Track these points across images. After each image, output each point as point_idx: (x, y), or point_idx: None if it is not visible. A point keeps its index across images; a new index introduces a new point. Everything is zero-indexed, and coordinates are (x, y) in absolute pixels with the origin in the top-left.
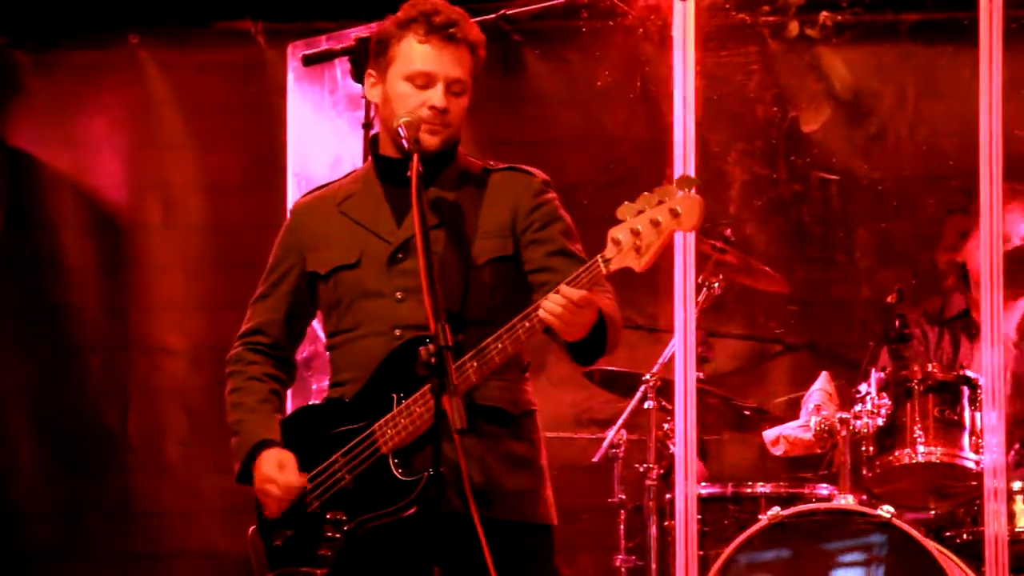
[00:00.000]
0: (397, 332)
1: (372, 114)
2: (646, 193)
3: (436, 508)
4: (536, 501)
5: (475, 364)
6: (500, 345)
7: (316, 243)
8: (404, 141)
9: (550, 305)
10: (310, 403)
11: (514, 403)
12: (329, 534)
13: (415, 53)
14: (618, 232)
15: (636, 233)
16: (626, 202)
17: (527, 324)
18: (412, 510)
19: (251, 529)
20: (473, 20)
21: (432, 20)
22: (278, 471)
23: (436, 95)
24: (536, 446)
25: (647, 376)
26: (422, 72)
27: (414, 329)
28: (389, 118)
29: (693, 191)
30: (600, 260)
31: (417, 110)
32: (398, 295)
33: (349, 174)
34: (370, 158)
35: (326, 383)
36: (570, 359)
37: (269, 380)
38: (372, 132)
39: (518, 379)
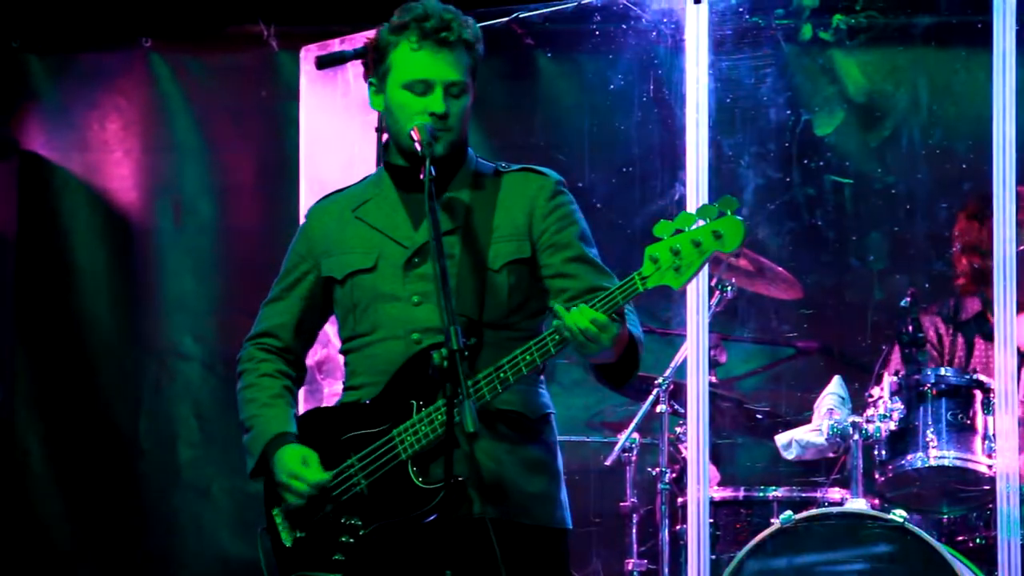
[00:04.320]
0: (414, 336)
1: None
2: (684, 212)
3: (455, 515)
4: (553, 505)
5: (500, 375)
6: (528, 357)
7: (332, 248)
8: (417, 145)
9: (575, 324)
10: (322, 405)
11: (531, 407)
12: (344, 538)
13: (410, 61)
14: (656, 250)
15: (676, 252)
16: (662, 220)
17: (557, 337)
18: (432, 517)
19: (259, 529)
20: (476, 20)
21: (424, 26)
22: (303, 466)
23: (435, 101)
24: (552, 450)
25: (660, 380)
26: (419, 80)
27: (431, 333)
28: (393, 127)
29: (734, 213)
30: (637, 277)
31: (418, 117)
32: (414, 299)
33: (363, 179)
34: (382, 163)
35: (338, 387)
36: (597, 380)
37: (281, 376)
38: (385, 137)
39: (535, 383)
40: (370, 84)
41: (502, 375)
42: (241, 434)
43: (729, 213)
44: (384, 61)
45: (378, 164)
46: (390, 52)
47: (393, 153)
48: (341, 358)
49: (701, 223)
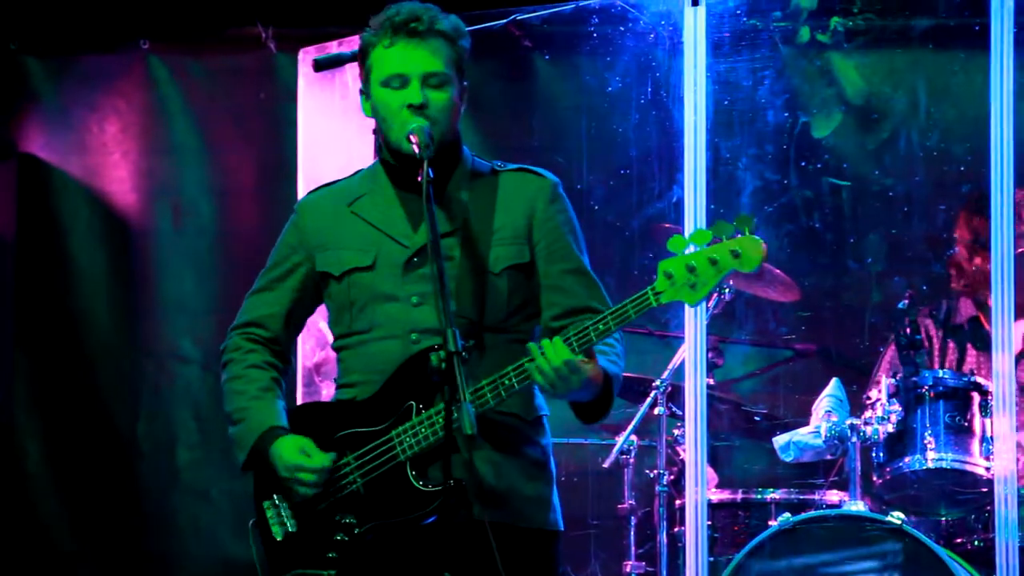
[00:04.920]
0: (413, 336)
1: None
2: (700, 229)
3: (454, 517)
4: (547, 508)
5: (505, 382)
6: (515, 378)
7: (327, 242)
8: (416, 148)
9: (547, 363)
10: (317, 400)
11: (527, 409)
12: (338, 537)
13: (385, 57)
14: (670, 266)
15: (691, 270)
16: (677, 235)
17: (505, 382)
18: (431, 520)
19: (251, 522)
20: (473, 22)
21: (394, 21)
22: (304, 457)
23: (412, 93)
24: (547, 452)
25: (658, 382)
26: (394, 74)
27: (431, 334)
28: (381, 127)
29: (752, 231)
30: (650, 293)
31: (399, 112)
32: (414, 299)
33: (356, 173)
34: (376, 159)
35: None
36: (573, 411)
37: (269, 368)
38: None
39: (529, 384)
40: (360, 92)
41: (507, 382)
42: (228, 425)
43: (747, 231)
44: (365, 65)
45: None
46: (370, 54)
47: (387, 152)
48: (334, 354)
49: (717, 241)
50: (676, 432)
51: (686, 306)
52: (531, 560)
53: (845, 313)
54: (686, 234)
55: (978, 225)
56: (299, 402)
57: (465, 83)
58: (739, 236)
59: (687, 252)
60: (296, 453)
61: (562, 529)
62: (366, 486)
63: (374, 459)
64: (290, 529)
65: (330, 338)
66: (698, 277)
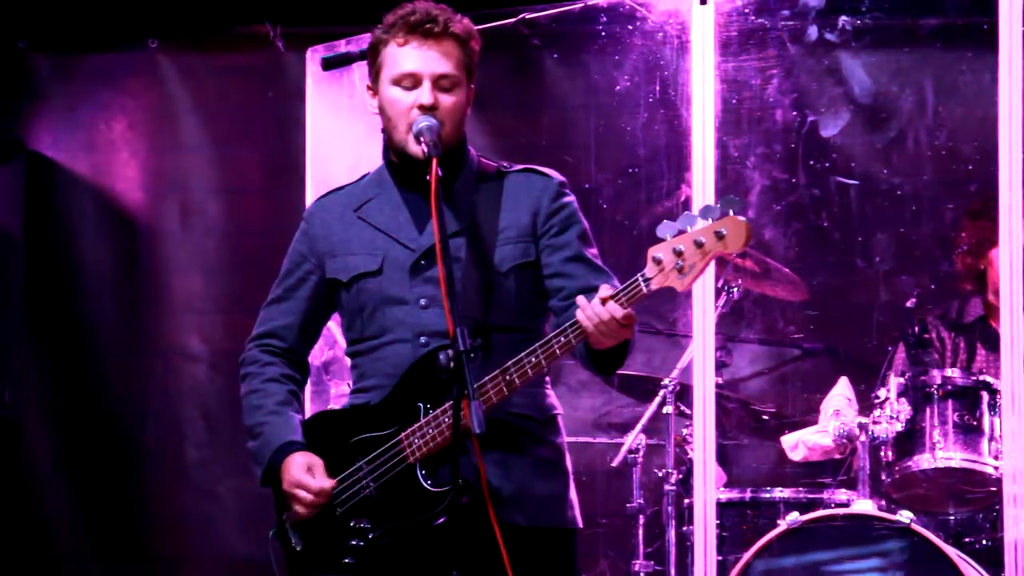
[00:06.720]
0: (423, 339)
1: None
2: (687, 212)
3: (465, 517)
4: (563, 506)
5: (507, 379)
6: (534, 359)
7: (335, 249)
8: (424, 146)
9: (592, 315)
10: (330, 408)
11: (539, 408)
12: (353, 542)
13: (398, 56)
14: (659, 251)
15: (679, 254)
16: (666, 220)
17: (563, 340)
18: (441, 520)
19: (270, 532)
20: (483, 21)
21: (409, 20)
22: (308, 475)
23: (423, 93)
24: (561, 450)
25: (666, 381)
26: (406, 73)
27: (440, 336)
28: (387, 125)
29: (737, 213)
30: (640, 279)
31: (408, 112)
32: (422, 302)
33: (362, 177)
34: (382, 162)
35: (344, 388)
36: (586, 366)
37: (287, 381)
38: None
39: (541, 384)
40: (368, 88)
41: (508, 378)
42: (247, 439)
43: (732, 213)
44: (376, 62)
45: None
46: (381, 51)
47: (391, 152)
48: (348, 360)
49: (704, 223)
50: (684, 431)
51: (692, 306)
52: (549, 559)
53: (853, 312)
54: (676, 220)
55: (983, 227)
56: (308, 401)
57: (472, 86)
58: (724, 218)
59: (675, 236)
60: (301, 470)
61: (580, 527)
62: (379, 490)
63: (385, 462)
64: (309, 537)
65: (341, 341)
66: (685, 261)
